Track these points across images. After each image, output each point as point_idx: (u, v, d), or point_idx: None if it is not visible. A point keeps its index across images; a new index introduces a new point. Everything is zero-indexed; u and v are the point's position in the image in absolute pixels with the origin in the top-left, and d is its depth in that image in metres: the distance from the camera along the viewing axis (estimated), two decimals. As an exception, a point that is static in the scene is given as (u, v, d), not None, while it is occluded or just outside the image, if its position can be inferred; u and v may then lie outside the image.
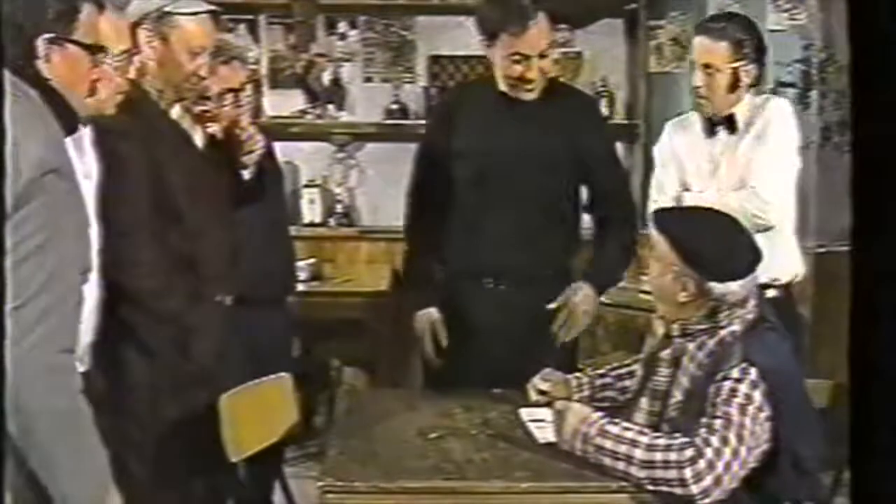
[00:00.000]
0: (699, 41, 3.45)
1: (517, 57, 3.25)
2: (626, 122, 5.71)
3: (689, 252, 2.53)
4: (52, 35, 2.15)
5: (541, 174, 3.37)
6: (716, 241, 2.56)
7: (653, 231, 2.63)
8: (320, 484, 2.46)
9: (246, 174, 3.20)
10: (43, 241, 1.98)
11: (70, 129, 2.24)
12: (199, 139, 3.12)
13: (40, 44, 2.14)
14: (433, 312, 3.47)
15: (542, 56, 3.27)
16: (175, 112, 3.06)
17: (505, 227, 3.36)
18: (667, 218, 2.67)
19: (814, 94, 4.91)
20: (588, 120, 3.54)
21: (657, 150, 3.70)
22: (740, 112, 3.45)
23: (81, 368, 2.72)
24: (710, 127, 3.49)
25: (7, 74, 2.04)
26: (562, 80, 3.58)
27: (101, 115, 2.70)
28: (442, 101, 5.12)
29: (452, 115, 3.53)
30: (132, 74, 2.73)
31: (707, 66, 3.41)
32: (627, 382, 2.93)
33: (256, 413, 3.01)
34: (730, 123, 3.46)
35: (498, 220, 3.36)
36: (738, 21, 3.51)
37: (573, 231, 3.52)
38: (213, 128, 3.12)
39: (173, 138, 3.04)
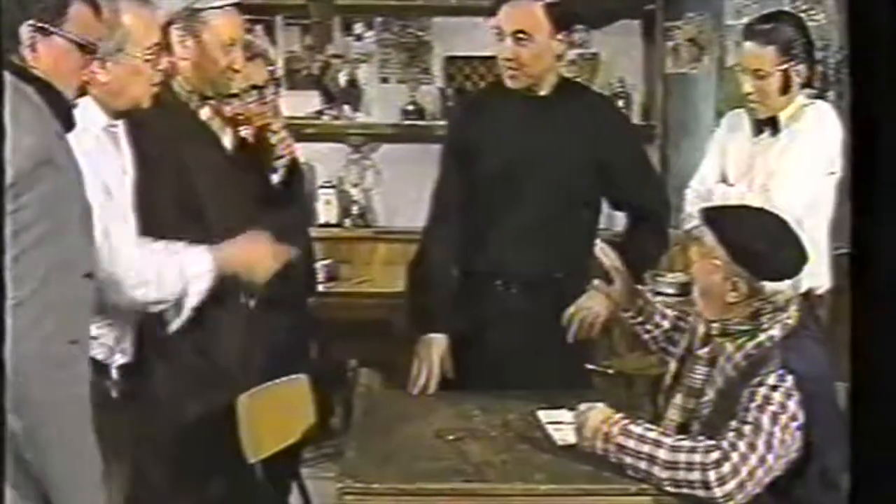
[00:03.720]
0: (747, 47, 3.46)
1: (496, 33, 3.25)
2: (642, 123, 5.70)
3: (741, 250, 2.49)
4: (36, 24, 2.13)
5: (555, 171, 3.32)
6: (766, 239, 2.53)
7: (702, 229, 2.59)
8: (339, 485, 2.46)
9: (275, 178, 3.19)
10: (42, 234, 1.99)
11: (66, 122, 2.22)
12: (228, 141, 3.12)
13: (24, 31, 2.12)
14: (442, 341, 3.28)
15: (518, 39, 3.21)
16: (204, 113, 3.06)
17: (514, 228, 3.31)
18: (716, 216, 2.62)
19: (831, 94, 4.88)
20: (606, 118, 3.48)
21: (713, 140, 3.72)
22: (784, 114, 3.46)
23: (122, 360, 2.76)
24: (758, 127, 3.51)
25: None
26: (576, 80, 3.53)
27: (135, 111, 2.73)
28: (462, 100, 5.13)
29: (470, 114, 3.52)
30: (165, 66, 2.74)
31: (757, 70, 3.41)
32: (666, 325, 2.94)
33: (274, 414, 3.01)
34: (773, 125, 3.47)
35: (507, 221, 3.32)
36: (786, 21, 3.51)
37: (589, 232, 3.39)
38: (246, 130, 3.12)
39: (201, 139, 3.05)
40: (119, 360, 2.75)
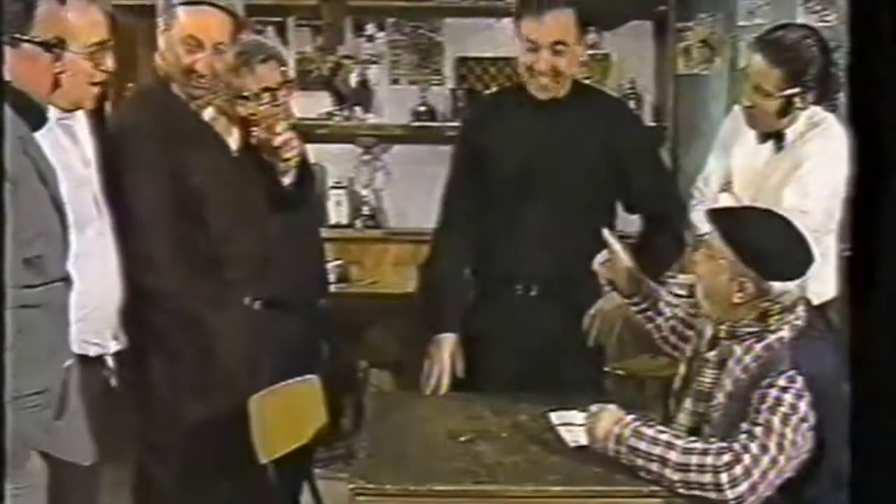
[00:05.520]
0: (756, 60, 3.20)
1: (529, 44, 3.21)
2: (653, 124, 5.68)
3: (749, 250, 2.49)
4: (5, 37, 2.06)
5: (571, 174, 3.32)
6: (774, 239, 2.52)
7: (708, 230, 2.59)
8: (351, 486, 2.46)
9: (286, 180, 3.16)
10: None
11: (37, 125, 2.21)
12: (233, 143, 3.11)
13: None
14: (453, 341, 3.30)
15: (555, 51, 3.20)
16: (208, 114, 3.05)
17: (534, 230, 3.30)
18: (722, 217, 2.62)
19: (842, 96, 4.86)
20: (620, 120, 3.49)
21: (718, 136, 3.58)
22: (791, 130, 3.26)
23: (117, 347, 2.76)
24: (763, 134, 3.32)
25: None
26: (588, 82, 3.51)
27: (115, 109, 2.69)
28: (474, 103, 5.14)
29: (483, 116, 3.52)
30: (110, 66, 2.64)
31: (758, 86, 3.19)
32: (668, 313, 2.92)
33: (286, 415, 3.02)
34: (778, 138, 3.29)
35: (527, 223, 3.31)
36: (806, 44, 3.19)
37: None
38: (255, 131, 3.10)
39: (201, 140, 3.02)
40: (113, 346, 2.76)
